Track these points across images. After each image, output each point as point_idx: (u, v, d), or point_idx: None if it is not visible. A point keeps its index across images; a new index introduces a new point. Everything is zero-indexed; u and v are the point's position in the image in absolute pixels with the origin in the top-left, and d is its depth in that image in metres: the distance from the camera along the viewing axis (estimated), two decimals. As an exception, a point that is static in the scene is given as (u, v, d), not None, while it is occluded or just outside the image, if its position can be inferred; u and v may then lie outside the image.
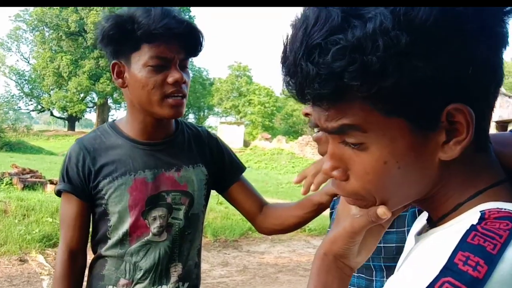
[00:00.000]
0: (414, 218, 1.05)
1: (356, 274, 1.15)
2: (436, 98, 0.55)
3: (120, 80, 1.49)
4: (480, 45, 0.54)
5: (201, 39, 1.49)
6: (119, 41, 1.45)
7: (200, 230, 1.65)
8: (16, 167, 10.68)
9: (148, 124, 1.53)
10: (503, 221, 0.54)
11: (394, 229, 1.07)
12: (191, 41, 1.48)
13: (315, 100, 0.59)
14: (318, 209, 1.52)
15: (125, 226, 1.50)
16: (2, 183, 9.12)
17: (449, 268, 0.51)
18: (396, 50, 0.51)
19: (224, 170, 1.67)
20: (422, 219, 0.77)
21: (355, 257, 0.74)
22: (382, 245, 1.08)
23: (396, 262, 1.04)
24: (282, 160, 26.67)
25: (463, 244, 0.53)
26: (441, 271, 0.51)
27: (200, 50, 1.51)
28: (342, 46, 0.53)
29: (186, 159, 1.58)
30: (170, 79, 1.42)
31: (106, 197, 1.49)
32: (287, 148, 28.92)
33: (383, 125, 0.57)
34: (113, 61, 1.49)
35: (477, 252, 0.51)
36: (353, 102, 0.57)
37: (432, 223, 0.67)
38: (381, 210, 0.63)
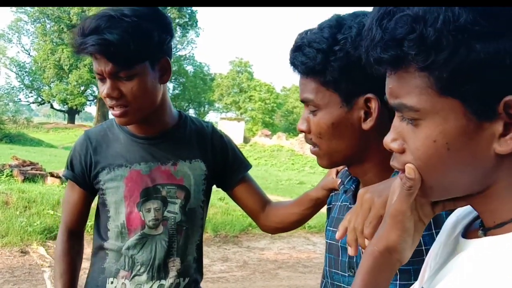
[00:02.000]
0: (429, 223, 1.05)
1: (354, 274, 1.15)
2: (493, 85, 0.54)
3: None
4: None
5: (125, 48, 1.36)
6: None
7: (200, 225, 1.65)
8: (16, 159, 10.67)
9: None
10: None
11: None
12: (115, 52, 1.37)
13: (376, 64, 0.61)
14: (316, 205, 1.53)
15: (121, 217, 1.54)
16: (3, 175, 9.12)
17: None
18: (455, 26, 0.53)
19: (228, 168, 1.68)
20: (464, 217, 0.75)
21: (410, 249, 0.74)
22: None
23: (411, 265, 1.03)
24: (282, 157, 26.67)
25: None
26: None
27: (129, 62, 1.40)
28: (405, 14, 0.56)
29: (184, 153, 1.60)
30: (103, 94, 1.46)
31: (104, 187, 1.56)
32: (287, 145, 28.93)
33: (436, 103, 0.58)
34: None
35: None
36: (410, 75, 0.59)
37: (485, 228, 0.65)
38: (409, 167, 0.64)
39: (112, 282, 1.57)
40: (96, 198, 1.64)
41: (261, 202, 1.68)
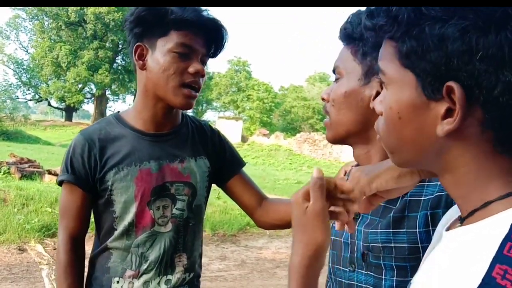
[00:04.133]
0: (425, 220, 1.05)
1: (364, 272, 1.15)
2: (439, 68, 0.57)
3: (140, 62, 1.52)
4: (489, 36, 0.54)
5: (225, 39, 1.54)
6: (150, 23, 1.48)
7: (203, 222, 1.68)
8: (14, 156, 10.67)
9: (158, 112, 1.55)
10: None
11: (404, 229, 1.08)
12: (217, 39, 1.53)
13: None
14: None
15: (131, 216, 1.51)
16: (0, 172, 9.11)
17: (487, 283, 0.50)
18: (414, 7, 0.58)
19: (225, 164, 1.69)
20: (452, 214, 0.77)
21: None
22: (393, 245, 1.09)
23: (408, 262, 1.05)
24: (280, 157, 26.69)
25: (500, 257, 0.51)
26: (479, 287, 0.51)
27: (221, 51, 1.57)
28: None
29: (189, 151, 1.60)
30: (191, 69, 1.46)
31: (112, 187, 1.50)
32: (285, 144, 28.94)
33: (398, 73, 0.63)
34: (137, 43, 1.51)
35: None
36: (388, 43, 0.65)
37: (461, 218, 0.67)
38: (316, 170, 0.77)
39: (118, 282, 1.53)
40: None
41: (257, 197, 1.68)
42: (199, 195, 1.61)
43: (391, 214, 1.10)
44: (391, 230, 1.09)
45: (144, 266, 1.53)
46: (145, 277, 1.53)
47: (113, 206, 1.52)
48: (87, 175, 1.52)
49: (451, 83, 0.56)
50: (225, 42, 1.55)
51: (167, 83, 1.46)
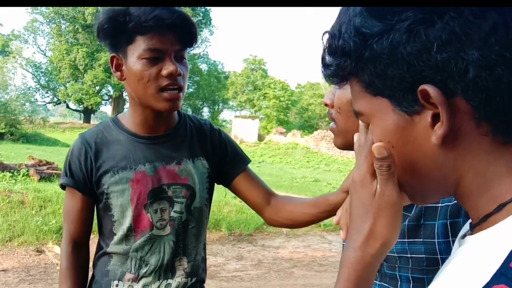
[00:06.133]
0: (444, 230, 1.00)
1: (378, 283, 1.12)
2: (403, 79, 0.54)
3: (118, 73, 1.49)
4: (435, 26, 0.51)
5: (194, 29, 1.49)
6: (113, 34, 1.44)
7: (205, 224, 1.64)
8: (32, 158, 10.79)
9: (148, 117, 1.52)
10: None
11: (421, 239, 1.03)
12: (185, 31, 1.46)
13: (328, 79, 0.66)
14: (333, 209, 1.45)
15: (128, 220, 1.50)
16: (19, 175, 9.21)
17: (503, 274, 0.45)
18: (354, 32, 0.56)
19: (228, 162, 1.65)
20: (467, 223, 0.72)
21: None
22: (409, 255, 1.04)
23: (425, 274, 1.00)
24: (297, 155, 26.63)
25: (501, 272, 0.46)
26: (493, 277, 0.46)
27: (195, 41, 1.50)
28: (328, 32, 0.62)
29: (187, 152, 1.58)
30: (164, 72, 1.41)
31: (108, 191, 1.50)
32: (302, 142, 28.89)
33: (372, 105, 0.60)
34: (112, 54, 1.49)
35: None
36: (351, 83, 0.62)
37: (472, 225, 0.61)
38: (376, 147, 0.62)
39: (117, 285, 1.53)
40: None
41: (265, 195, 1.63)
42: (199, 197, 1.57)
43: (406, 222, 1.05)
44: (406, 240, 1.04)
45: (144, 270, 1.52)
46: (144, 281, 1.52)
47: (111, 210, 1.51)
48: (85, 178, 1.52)
49: (422, 87, 0.52)
50: (195, 31, 1.49)
51: (145, 91, 1.43)
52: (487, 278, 0.46)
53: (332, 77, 0.63)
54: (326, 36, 0.61)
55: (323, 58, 0.62)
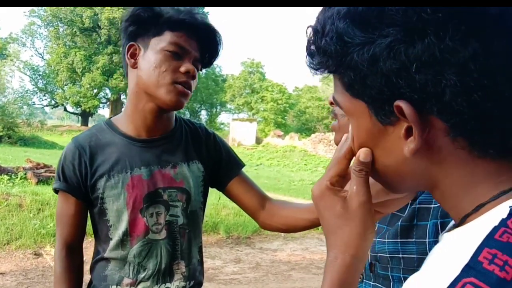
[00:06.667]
0: (435, 229, 1.01)
1: (371, 283, 1.12)
2: (380, 91, 0.55)
3: (132, 60, 1.51)
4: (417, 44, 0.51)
5: (220, 44, 1.54)
6: (145, 22, 1.47)
7: (200, 228, 1.64)
8: (30, 161, 10.77)
9: (147, 117, 1.52)
10: None
11: (413, 239, 1.04)
12: (209, 45, 1.52)
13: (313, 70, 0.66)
14: None
15: (124, 225, 1.48)
16: (17, 178, 9.21)
17: (472, 267, 0.46)
18: (336, 37, 0.56)
19: (222, 166, 1.65)
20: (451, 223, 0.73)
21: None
22: (401, 255, 1.05)
23: None
24: (295, 158, 26.63)
25: (489, 241, 0.47)
26: (462, 270, 0.46)
27: (213, 60, 1.56)
28: (311, 26, 0.62)
29: (182, 155, 1.57)
30: (183, 68, 1.44)
31: (103, 196, 1.48)
32: (300, 145, 28.88)
33: (351, 104, 0.61)
34: (130, 43, 1.50)
35: (506, 249, 0.46)
36: (334, 78, 0.63)
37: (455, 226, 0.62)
38: (363, 152, 0.64)
39: None
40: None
41: (259, 199, 1.63)
42: (194, 201, 1.57)
43: (399, 222, 1.06)
44: (398, 240, 1.05)
45: (142, 275, 1.51)
46: (142, 285, 1.51)
47: (106, 215, 1.50)
48: (79, 182, 1.50)
49: (397, 103, 0.53)
50: (219, 49, 1.54)
51: (159, 80, 1.44)
52: (457, 272, 0.47)
53: (315, 70, 0.63)
54: (310, 30, 0.62)
55: (307, 50, 0.63)
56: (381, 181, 0.67)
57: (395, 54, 0.52)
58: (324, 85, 47.54)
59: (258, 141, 32.63)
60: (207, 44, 1.51)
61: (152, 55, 1.45)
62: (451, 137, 0.54)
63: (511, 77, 0.50)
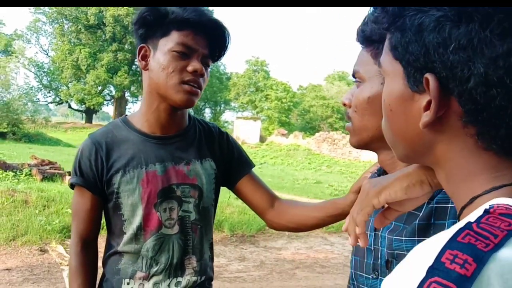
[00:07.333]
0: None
1: (377, 277, 1.12)
2: (418, 59, 0.58)
3: (143, 62, 1.55)
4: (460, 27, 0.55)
5: (227, 40, 1.57)
6: (152, 23, 1.50)
7: (212, 224, 1.67)
8: (35, 158, 10.82)
9: (161, 115, 1.56)
10: (507, 220, 0.51)
11: (416, 238, 1.04)
12: (218, 40, 1.55)
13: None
14: (341, 214, 1.47)
15: (138, 219, 1.52)
16: (22, 174, 9.24)
17: (435, 268, 0.49)
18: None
19: (233, 165, 1.69)
20: None
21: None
22: (405, 253, 1.05)
23: None
24: (299, 156, 26.61)
25: (452, 243, 0.50)
26: (428, 272, 0.49)
27: (223, 53, 1.59)
28: None
29: (195, 153, 1.61)
30: (190, 67, 1.48)
31: (118, 190, 1.52)
32: (304, 144, 28.87)
33: (391, 65, 0.65)
34: (141, 45, 1.54)
35: (466, 250, 0.48)
36: (386, 39, 0.66)
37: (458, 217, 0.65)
38: None
39: (128, 283, 1.55)
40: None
41: (268, 198, 1.66)
42: (206, 197, 1.61)
43: (416, 221, 1.06)
44: (416, 238, 1.05)
45: (154, 269, 1.54)
46: (155, 279, 1.54)
47: (120, 209, 1.54)
48: (95, 178, 1.54)
49: (427, 75, 0.57)
50: (227, 43, 1.57)
51: (167, 81, 1.48)
52: (423, 274, 0.49)
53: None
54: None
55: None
56: (394, 147, 0.71)
57: (440, 29, 0.55)
58: (329, 84, 47.51)
59: (262, 139, 32.63)
60: (215, 39, 1.54)
61: (160, 56, 1.49)
62: (463, 122, 0.57)
63: None
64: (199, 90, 1.52)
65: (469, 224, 0.51)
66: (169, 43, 1.48)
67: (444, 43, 0.55)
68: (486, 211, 0.52)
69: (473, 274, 0.46)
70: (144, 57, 1.54)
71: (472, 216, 0.54)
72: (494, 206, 0.53)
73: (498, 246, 0.48)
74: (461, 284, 0.46)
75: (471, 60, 0.53)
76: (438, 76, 0.56)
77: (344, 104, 1.18)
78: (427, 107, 0.58)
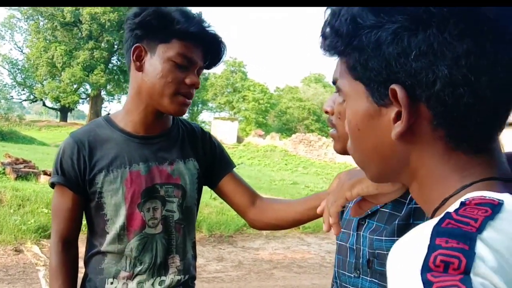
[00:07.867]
0: None
1: (368, 278, 1.15)
2: (380, 73, 0.59)
3: (138, 63, 1.52)
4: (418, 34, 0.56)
5: (223, 54, 1.59)
6: (155, 28, 1.48)
7: (194, 224, 1.68)
8: (9, 156, 10.61)
9: (148, 115, 1.56)
10: (483, 208, 0.52)
11: (395, 238, 1.07)
12: (215, 53, 1.57)
13: (324, 51, 0.69)
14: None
15: (122, 219, 1.51)
16: (-5, 173, 9.07)
17: (433, 248, 0.48)
18: (349, 18, 0.60)
19: (215, 165, 1.70)
20: None
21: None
22: (386, 252, 1.08)
23: None
24: (275, 157, 26.69)
25: (438, 230, 0.50)
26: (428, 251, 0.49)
27: (216, 65, 1.62)
28: (329, 8, 0.65)
29: (179, 153, 1.61)
30: (188, 80, 1.49)
31: (101, 190, 1.51)
32: (281, 145, 28.95)
33: (351, 86, 0.65)
34: (137, 44, 1.51)
35: (453, 234, 0.49)
36: (340, 61, 0.67)
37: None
38: None
39: (112, 283, 1.54)
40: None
41: (250, 197, 1.67)
42: (189, 197, 1.61)
43: (396, 221, 1.09)
44: (395, 238, 1.08)
45: (138, 268, 1.54)
46: (139, 278, 1.54)
47: (103, 209, 1.52)
48: (77, 177, 1.52)
49: (392, 86, 0.58)
50: (222, 57, 1.59)
51: (163, 89, 1.48)
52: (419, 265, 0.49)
53: (325, 51, 0.67)
54: (328, 11, 0.65)
55: (322, 31, 0.67)
56: (365, 167, 0.71)
57: (399, 40, 0.56)
58: (305, 86, 47.73)
59: (239, 140, 32.62)
60: (211, 52, 1.56)
61: (158, 63, 1.48)
62: (433, 126, 0.58)
63: (494, 80, 0.55)
64: (191, 101, 1.55)
65: (448, 214, 0.53)
66: (169, 51, 1.47)
67: (405, 53, 0.56)
68: (463, 203, 0.54)
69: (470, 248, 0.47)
70: (139, 58, 1.51)
71: (450, 208, 0.55)
72: (469, 199, 0.55)
73: (479, 230, 0.49)
74: (466, 238, 0.47)
75: (434, 64, 0.55)
76: (403, 85, 0.57)
77: (326, 112, 1.19)
78: (396, 118, 0.60)
